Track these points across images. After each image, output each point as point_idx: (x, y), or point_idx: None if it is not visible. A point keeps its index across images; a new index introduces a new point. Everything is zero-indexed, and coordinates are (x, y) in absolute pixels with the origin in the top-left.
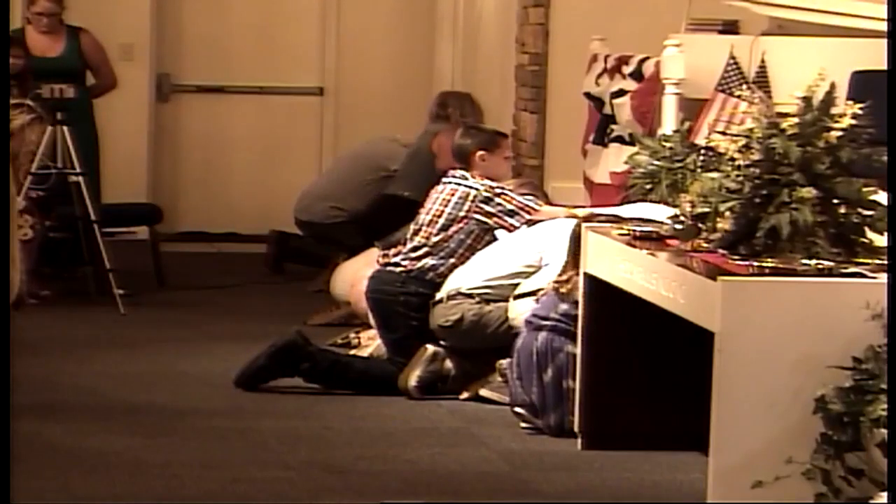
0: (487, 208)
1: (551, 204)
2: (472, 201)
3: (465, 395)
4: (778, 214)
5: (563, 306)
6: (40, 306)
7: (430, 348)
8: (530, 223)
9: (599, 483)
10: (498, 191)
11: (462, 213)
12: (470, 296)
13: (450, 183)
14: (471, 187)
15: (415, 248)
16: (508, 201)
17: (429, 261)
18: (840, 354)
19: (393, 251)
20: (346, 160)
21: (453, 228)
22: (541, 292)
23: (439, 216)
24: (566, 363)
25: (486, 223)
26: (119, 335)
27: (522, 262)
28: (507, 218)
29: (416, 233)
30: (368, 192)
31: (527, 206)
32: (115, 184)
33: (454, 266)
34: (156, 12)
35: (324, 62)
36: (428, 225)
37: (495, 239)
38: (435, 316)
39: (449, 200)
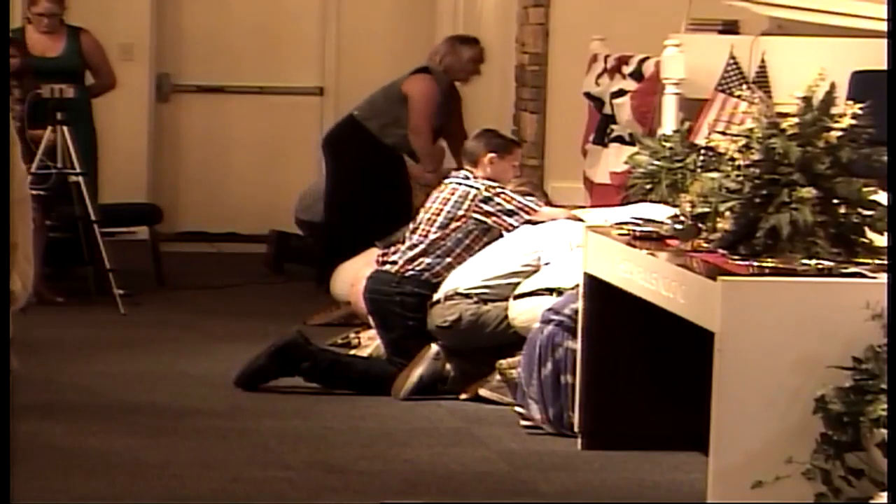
0: (487, 208)
1: (551, 204)
2: (472, 200)
3: (465, 395)
4: (778, 214)
5: (576, 305)
6: (40, 306)
7: (434, 347)
8: (530, 224)
9: (599, 483)
10: (498, 190)
11: (461, 212)
12: (468, 296)
13: (451, 182)
14: (471, 187)
15: (412, 246)
16: (508, 201)
17: (425, 260)
18: (840, 354)
19: (392, 249)
20: None
21: (452, 227)
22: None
23: (438, 214)
24: (565, 358)
25: (484, 223)
26: (119, 335)
27: (520, 263)
28: (506, 218)
29: (414, 231)
30: None
31: (526, 206)
32: (114, 184)
33: (450, 266)
34: (156, 12)
35: (324, 62)
36: (426, 223)
37: (493, 240)
38: (433, 317)
39: (449, 199)
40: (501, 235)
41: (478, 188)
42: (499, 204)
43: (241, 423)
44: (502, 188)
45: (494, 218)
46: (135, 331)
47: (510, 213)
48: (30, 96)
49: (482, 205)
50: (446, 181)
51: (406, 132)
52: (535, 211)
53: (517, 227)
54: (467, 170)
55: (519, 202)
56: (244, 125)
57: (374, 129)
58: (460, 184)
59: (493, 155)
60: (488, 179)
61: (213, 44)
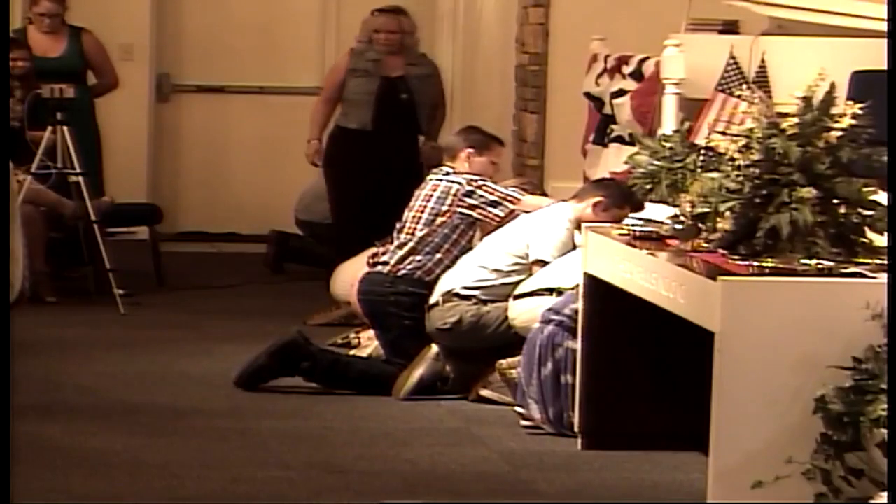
0: (470, 201)
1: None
2: (455, 195)
3: (471, 397)
4: (778, 214)
5: (576, 305)
6: (40, 306)
7: (434, 347)
8: (514, 213)
9: (599, 483)
10: (479, 182)
11: (445, 208)
12: (467, 297)
13: (432, 179)
14: (452, 182)
15: (401, 245)
16: (490, 192)
17: (415, 258)
18: (840, 354)
19: (381, 250)
20: None
21: (437, 222)
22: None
23: (422, 211)
24: (565, 358)
25: (469, 216)
26: (119, 335)
27: (513, 258)
28: (490, 209)
29: (400, 230)
30: None
31: (509, 195)
32: (115, 184)
33: (440, 261)
34: (156, 12)
35: (324, 62)
36: (412, 221)
37: (483, 231)
38: (432, 319)
39: (431, 196)
40: (493, 229)
41: (459, 183)
42: (482, 196)
43: (241, 423)
44: (484, 180)
45: (480, 210)
46: (135, 331)
47: (494, 204)
48: (30, 97)
49: (465, 199)
50: (428, 178)
51: (356, 105)
52: (518, 200)
53: (503, 216)
54: (448, 165)
55: (501, 192)
56: (244, 125)
57: (342, 122)
58: (441, 180)
59: (470, 150)
60: (468, 174)
61: (213, 44)
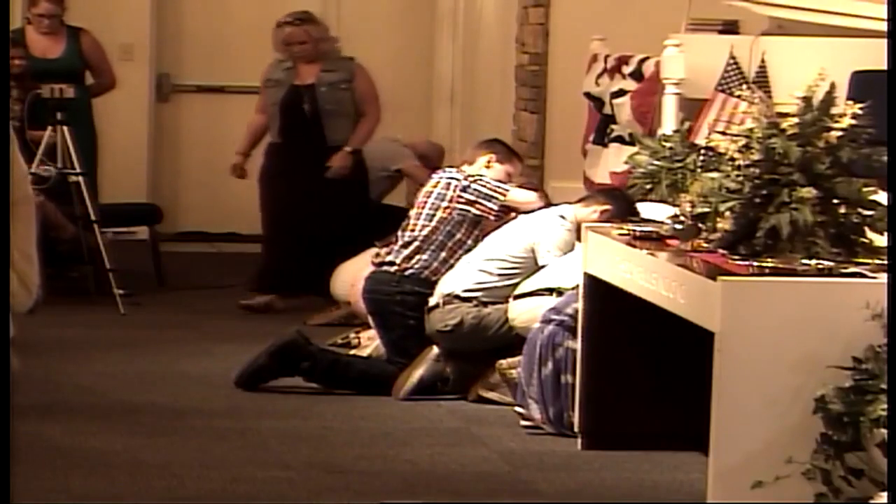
0: (467, 196)
1: (551, 204)
2: (454, 191)
3: (471, 397)
4: (778, 214)
5: (577, 305)
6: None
7: (435, 349)
8: (504, 207)
9: (599, 483)
10: (475, 177)
11: (445, 203)
12: (467, 299)
13: (436, 177)
14: (452, 178)
15: (406, 244)
16: (484, 186)
17: (421, 257)
18: (840, 354)
19: (385, 250)
20: None
21: (438, 217)
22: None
23: (423, 206)
24: (565, 358)
25: (469, 211)
26: (119, 335)
27: (513, 260)
28: (485, 202)
29: (404, 228)
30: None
31: (498, 188)
32: (115, 183)
33: (446, 261)
34: (156, 12)
35: None
36: (415, 218)
37: (485, 232)
38: (432, 321)
39: (432, 192)
40: (492, 229)
41: (458, 178)
42: (476, 190)
43: (241, 423)
44: (481, 176)
45: (477, 205)
46: (135, 331)
47: (488, 197)
48: (30, 96)
49: (463, 194)
50: (433, 177)
51: (271, 117)
52: (505, 192)
53: (497, 210)
54: (457, 168)
55: (493, 185)
56: (244, 125)
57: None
58: (441, 177)
59: (493, 156)
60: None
61: (213, 44)
